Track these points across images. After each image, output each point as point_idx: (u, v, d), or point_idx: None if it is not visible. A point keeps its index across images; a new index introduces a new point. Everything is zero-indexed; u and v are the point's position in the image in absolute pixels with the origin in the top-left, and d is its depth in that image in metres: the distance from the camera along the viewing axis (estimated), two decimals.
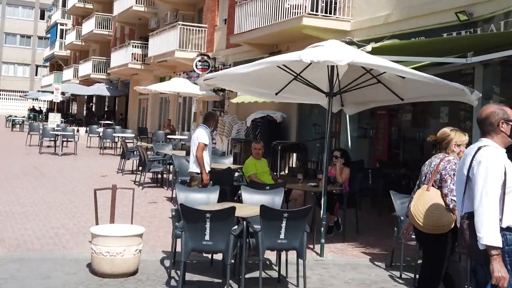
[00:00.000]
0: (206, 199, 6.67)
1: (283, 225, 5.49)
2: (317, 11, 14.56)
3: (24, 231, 8.08)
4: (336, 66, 7.54)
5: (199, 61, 22.63)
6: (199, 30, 23.77)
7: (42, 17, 65.31)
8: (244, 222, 5.64)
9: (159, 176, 13.99)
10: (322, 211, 7.33)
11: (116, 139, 21.82)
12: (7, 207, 9.76)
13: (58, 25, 52.03)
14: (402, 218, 6.54)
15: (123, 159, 15.54)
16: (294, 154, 16.89)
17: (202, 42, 23.75)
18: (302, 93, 8.62)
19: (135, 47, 30.27)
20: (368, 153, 15.06)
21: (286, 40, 16.79)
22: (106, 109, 40.47)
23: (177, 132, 24.93)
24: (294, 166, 16.60)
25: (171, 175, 13.49)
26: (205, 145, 8.01)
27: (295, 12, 15.05)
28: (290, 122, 17.39)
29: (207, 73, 22.91)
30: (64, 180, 13.53)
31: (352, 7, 14.74)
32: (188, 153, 12.15)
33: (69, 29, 49.35)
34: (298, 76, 7.81)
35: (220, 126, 20.13)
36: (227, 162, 11.58)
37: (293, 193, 8.89)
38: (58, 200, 10.79)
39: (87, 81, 40.08)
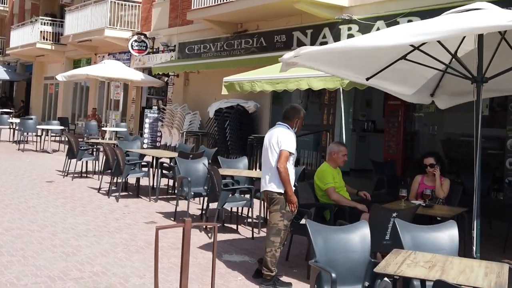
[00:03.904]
0: (360, 242, 4.26)
1: None
2: None
3: (9, 286, 5.19)
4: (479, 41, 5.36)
5: (136, 41, 19.59)
6: (132, 6, 20.60)
7: None
8: None
9: (130, 181, 11.12)
10: (475, 248, 5.14)
11: (40, 132, 18.25)
12: None
13: None
14: None
15: (70, 160, 12.41)
16: None
17: (135, 19, 20.62)
18: (400, 80, 6.40)
19: (45, 24, 26.23)
20: (374, 150, 13.15)
21: (264, 17, 14.36)
22: (1, 96, 35.48)
23: (104, 123, 21.71)
24: None
25: (152, 181, 10.69)
26: (290, 153, 5.51)
27: None
28: (263, 113, 15.04)
29: (144, 55, 19.95)
30: (3, 190, 10.28)
31: None
32: (182, 155, 9.53)
33: None
34: (417, 49, 5.53)
35: (168, 117, 17.34)
36: (242, 166, 9.07)
37: (363, 217, 6.41)
38: (19, 224, 7.75)
39: None
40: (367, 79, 6.23)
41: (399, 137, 11.67)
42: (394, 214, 5.35)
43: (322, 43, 12.83)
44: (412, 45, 5.43)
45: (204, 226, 7.91)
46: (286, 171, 5.48)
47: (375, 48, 5.00)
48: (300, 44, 13.43)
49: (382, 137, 12.91)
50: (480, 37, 5.35)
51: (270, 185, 5.56)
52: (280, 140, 5.52)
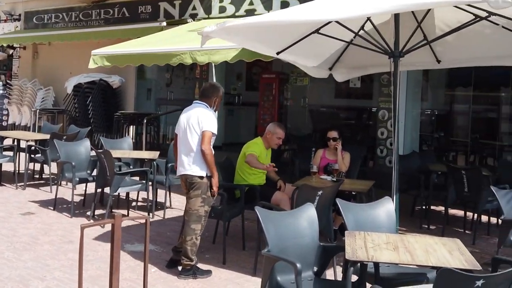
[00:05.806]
0: (308, 226, 4.06)
1: None
2: None
3: None
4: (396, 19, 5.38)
5: None
6: None
7: None
8: None
9: None
10: (395, 218, 5.22)
11: None
12: None
13: None
14: None
15: None
16: (134, 127, 13.74)
17: None
18: (307, 54, 6.27)
19: None
20: (243, 124, 13.03)
21: None
22: None
23: None
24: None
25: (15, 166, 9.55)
26: (213, 134, 5.13)
27: None
28: (127, 88, 14.23)
29: None
30: None
31: None
32: (57, 137, 8.66)
33: None
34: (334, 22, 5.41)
35: (16, 93, 15.75)
36: (127, 147, 8.42)
37: (275, 196, 6.30)
38: None
39: None
40: (278, 53, 6.02)
41: (274, 110, 11.71)
42: (319, 193, 5.23)
43: (192, 15, 12.37)
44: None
45: (91, 214, 7.25)
46: (211, 152, 5.11)
47: (308, 22, 4.79)
48: (168, 15, 12.83)
49: (249, 111, 12.92)
50: (397, 13, 5.37)
51: (191, 169, 5.13)
52: (201, 120, 5.11)
